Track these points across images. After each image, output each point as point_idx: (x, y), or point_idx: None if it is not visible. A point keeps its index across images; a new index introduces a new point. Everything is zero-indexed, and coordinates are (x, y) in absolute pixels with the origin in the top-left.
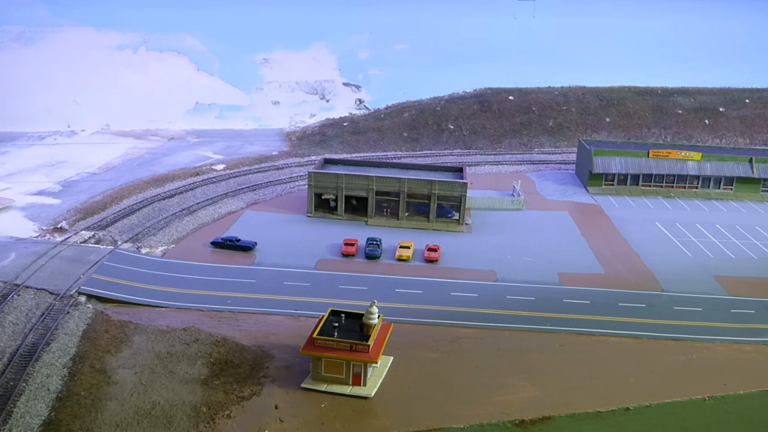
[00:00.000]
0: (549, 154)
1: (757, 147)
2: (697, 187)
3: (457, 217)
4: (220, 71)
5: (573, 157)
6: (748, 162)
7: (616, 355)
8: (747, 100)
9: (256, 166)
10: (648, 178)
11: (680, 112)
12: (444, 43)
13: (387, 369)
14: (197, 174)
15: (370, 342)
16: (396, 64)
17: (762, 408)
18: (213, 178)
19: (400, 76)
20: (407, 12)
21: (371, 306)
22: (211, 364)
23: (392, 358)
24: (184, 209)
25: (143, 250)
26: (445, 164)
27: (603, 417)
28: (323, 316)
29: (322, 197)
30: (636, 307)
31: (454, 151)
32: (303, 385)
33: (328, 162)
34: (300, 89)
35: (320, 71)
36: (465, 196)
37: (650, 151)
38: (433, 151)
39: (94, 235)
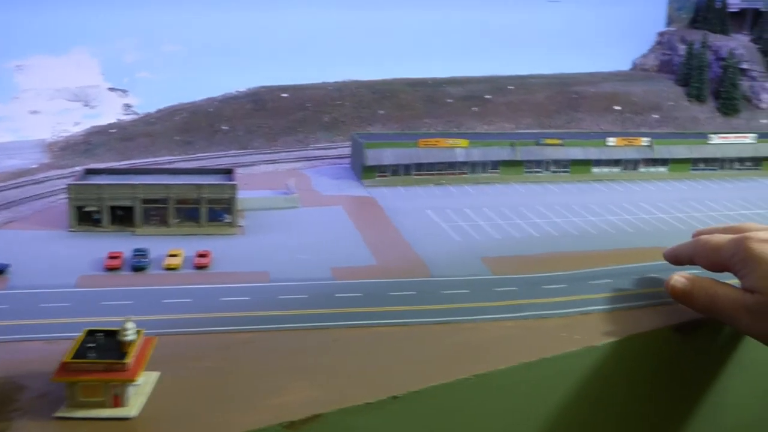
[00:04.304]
0: (325, 149)
1: (520, 131)
2: (465, 173)
3: (230, 220)
4: None
5: (349, 151)
6: (510, 146)
7: (386, 344)
8: (511, 87)
9: (12, 182)
10: (419, 167)
11: (450, 101)
12: (216, 42)
13: (153, 385)
14: None
15: (128, 360)
16: (165, 66)
17: (522, 379)
18: None
19: (170, 78)
20: (176, 11)
21: (126, 322)
22: None
23: (159, 373)
24: None
25: None
26: (216, 166)
27: (372, 407)
28: (79, 337)
29: (85, 210)
30: (406, 295)
31: (230, 152)
32: (57, 414)
33: (90, 172)
34: (61, 96)
35: (83, 76)
36: (235, 198)
37: (419, 141)
38: (207, 154)
39: None
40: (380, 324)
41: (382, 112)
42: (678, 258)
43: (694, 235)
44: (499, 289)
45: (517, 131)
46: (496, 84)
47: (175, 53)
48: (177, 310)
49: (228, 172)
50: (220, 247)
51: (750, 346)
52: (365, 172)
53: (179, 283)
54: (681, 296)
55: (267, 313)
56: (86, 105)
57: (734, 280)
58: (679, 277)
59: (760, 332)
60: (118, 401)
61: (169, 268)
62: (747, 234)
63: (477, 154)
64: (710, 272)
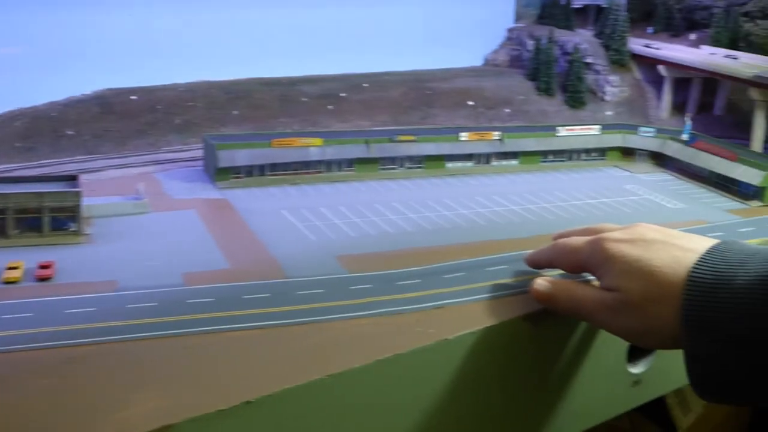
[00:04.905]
0: (178, 152)
1: (375, 128)
2: (321, 172)
3: (75, 229)
4: None
5: (202, 153)
6: (364, 143)
7: (239, 349)
8: (366, 85)
9: None
10: (274, 167)
11: (305, 100)
12: (58, 44)
13: None
14: None
15: None
16: (3, 69)
17: (377, 376)
18: None
19: (8, 82)
20: (14, 11)
21: None
22: None
23: None
24: None
25: None
26: (60, 173)
27: (225, 414)
28: None
29: None
30: (260, 298)
31: (76, 158)
32: None
33: None
34: None
35: None
36: (80, 205)
37: (273, 140)
38: (52, 160)
39: None
40: (233, 328)
41: (236, 112)
42: (538, 262)
43: (554, 239)
44: (354, 287)
45: (372, 128)
46: (351, 82)
47: (12, 55)
48: (15, 325)
49: (72, 178)
50: (64, 257)
51: (596, 332)
52: (218, 174)
53: (19, 297)
54: (544, 299)
55: (114, 323)
56: None
57: (595, 281)
58: (542, 281)
59: (619, 328)
60: None
61: (8, 282)
62: (602, 235)
63: (332, 152)
64: (571, 274)
